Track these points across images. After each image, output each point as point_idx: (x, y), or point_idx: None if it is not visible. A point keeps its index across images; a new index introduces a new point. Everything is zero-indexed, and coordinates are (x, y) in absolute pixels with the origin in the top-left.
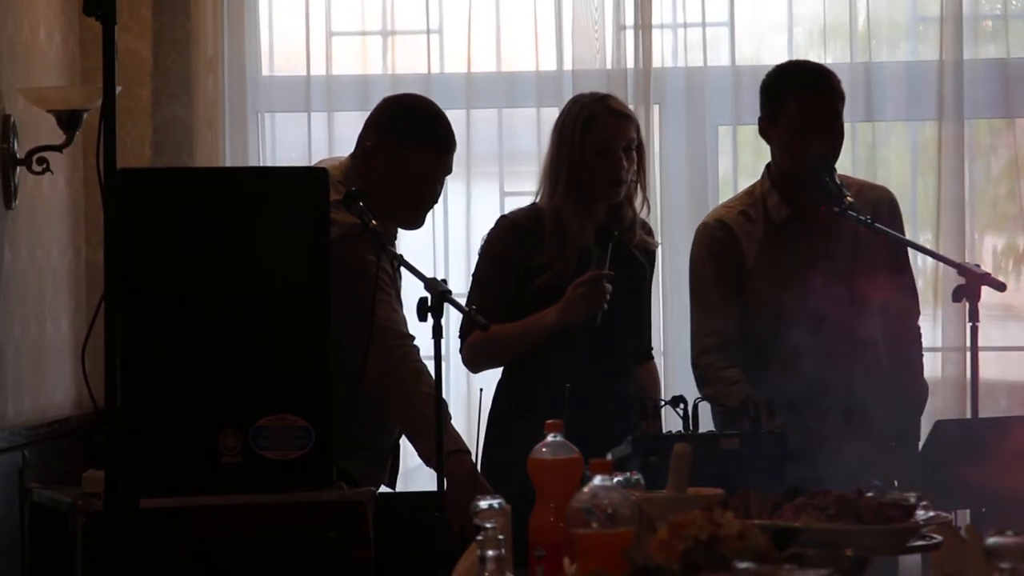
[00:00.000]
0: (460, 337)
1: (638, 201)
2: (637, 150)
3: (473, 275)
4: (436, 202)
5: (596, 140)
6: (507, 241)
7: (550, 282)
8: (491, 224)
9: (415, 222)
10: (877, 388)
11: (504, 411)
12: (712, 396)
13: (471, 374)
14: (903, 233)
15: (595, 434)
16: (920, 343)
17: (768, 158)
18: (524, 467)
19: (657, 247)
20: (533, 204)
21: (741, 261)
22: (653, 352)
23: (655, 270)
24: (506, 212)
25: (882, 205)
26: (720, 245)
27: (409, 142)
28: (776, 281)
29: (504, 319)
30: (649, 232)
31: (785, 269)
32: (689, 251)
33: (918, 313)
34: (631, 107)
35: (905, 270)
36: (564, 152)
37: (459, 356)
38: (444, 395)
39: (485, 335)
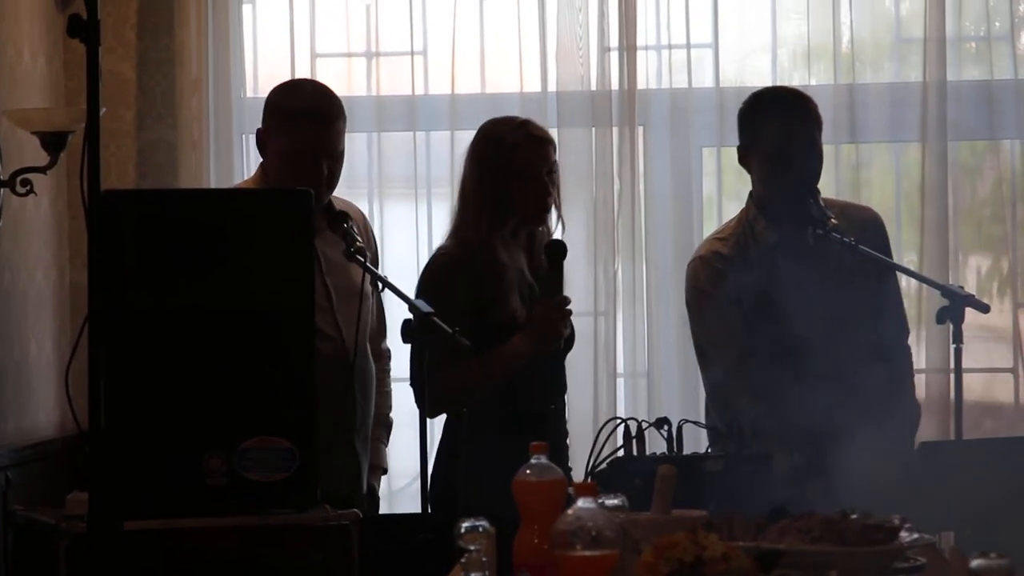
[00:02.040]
0: (430, 369)
1: (552, 219)
2: (555, 171)
3: None
4: (325, 178)
5: (520, 168)
6: (457, 277)
7: (500, 316)
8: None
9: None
10: (868, 410)
11: (483, 433)
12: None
13: None
14: (890, 252)
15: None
16: (911, 361)
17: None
18: (508, 489)
19: None
20: (457, 235)
21: (737, 290)
22: None
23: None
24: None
25: (867, 226)
26: (716, 276)
27: (280, 123)
28: (770, 306)
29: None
30: None
31: (778, 294)
32: (671, 270)
33: (907, 332)
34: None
35: (893, 290)
36: (486, 181)
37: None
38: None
39: (460, 376)
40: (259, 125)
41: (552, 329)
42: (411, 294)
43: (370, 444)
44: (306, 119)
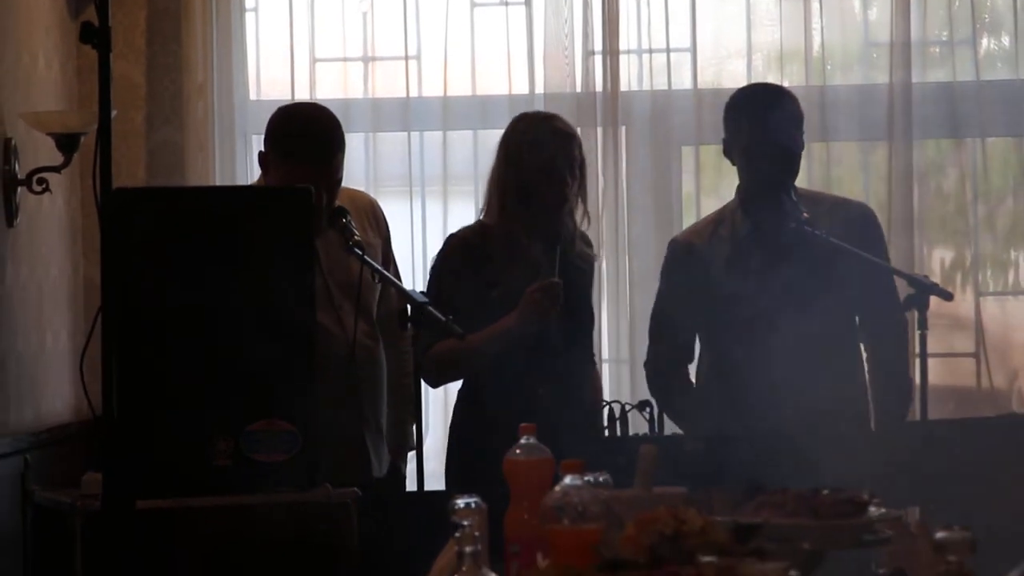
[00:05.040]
0: (423, 350)
1: (579, 214)
2: (580, 167)
3: (425, 294)
4: (323, 205)
5: (542, 160)
6: (458, 259)
7: (502, 295)
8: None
9: None
10: (852, 391)
11: (473, 415)
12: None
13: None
14: (881, 246)
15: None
16: (904, 339)
17: (730, 177)
18: (499, 469)
19: (595, 259)
20: (479, 221)
21: (705, 276)
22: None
23: (598, 278)
24: (452, 231)
25: (855, 221)
26: (685, 261)
27: (281, 155)
28: (741, 293)
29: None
30: (588, 244)
31: (749, 282)
32: (653, 262)
33: (900, 309)
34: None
35: (883, 275)
36: (511, 171)
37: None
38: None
39: (452, 346)
40: (261, 128)
41: (538, 309)
42: (416, 277)
43: (396, 427)
44: (305, 159)
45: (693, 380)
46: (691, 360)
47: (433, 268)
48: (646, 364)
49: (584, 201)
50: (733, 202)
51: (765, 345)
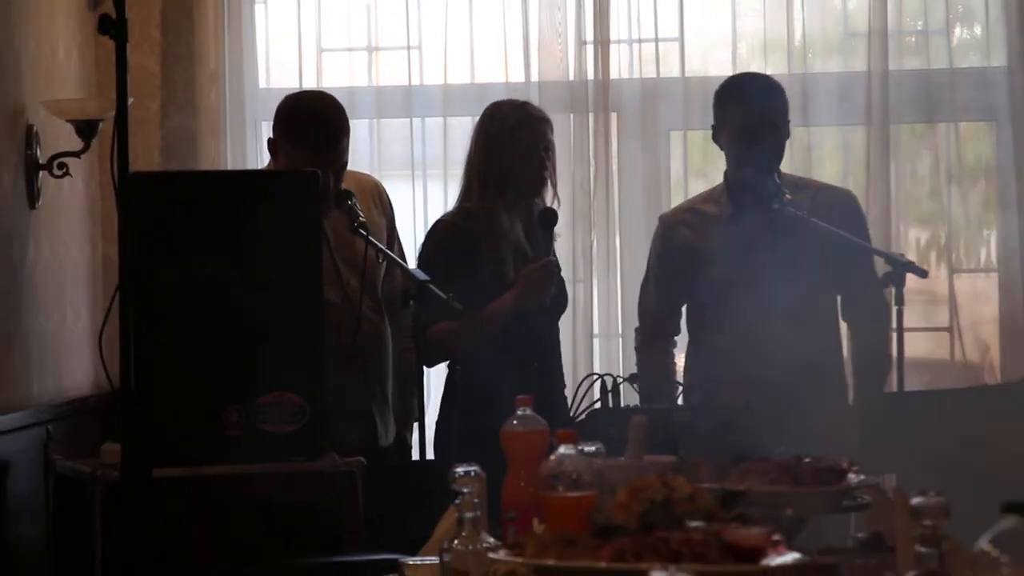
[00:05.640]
0: (421, 329)
1: (549, 196)
2: (552, 149)
3: None
4: (330, 187)
5: (520, 144)
6: (446, 243)
7: (489, 276)
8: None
9: None
10: (831, 367)
11: (471, 389)
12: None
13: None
14: (864, 231)
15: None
16: (884, 318)
17: (715, 161)
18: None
19: (558, 237)
20: (462, 206)
21: (692, 253)
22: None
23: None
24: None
25: (836, 206)
26: (673, 236)
27: (289, 141)
28: (725, 270)
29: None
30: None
31: (733, 260)
32: (642, 241)
33: (881, 289)
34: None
35: (864, 256)
36: (491, 156)
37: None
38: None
39: (448, 327)
40: (270, 114)
41: (535, 287)
42: (412, 261)
43: (401, 399)
44: (312, 144)
45: (675, 355)
46: (676, 332)
47: (423, 254)
48: (636, 330)
49: (554, 183)
50: (720, 184)
51: (747, 320)
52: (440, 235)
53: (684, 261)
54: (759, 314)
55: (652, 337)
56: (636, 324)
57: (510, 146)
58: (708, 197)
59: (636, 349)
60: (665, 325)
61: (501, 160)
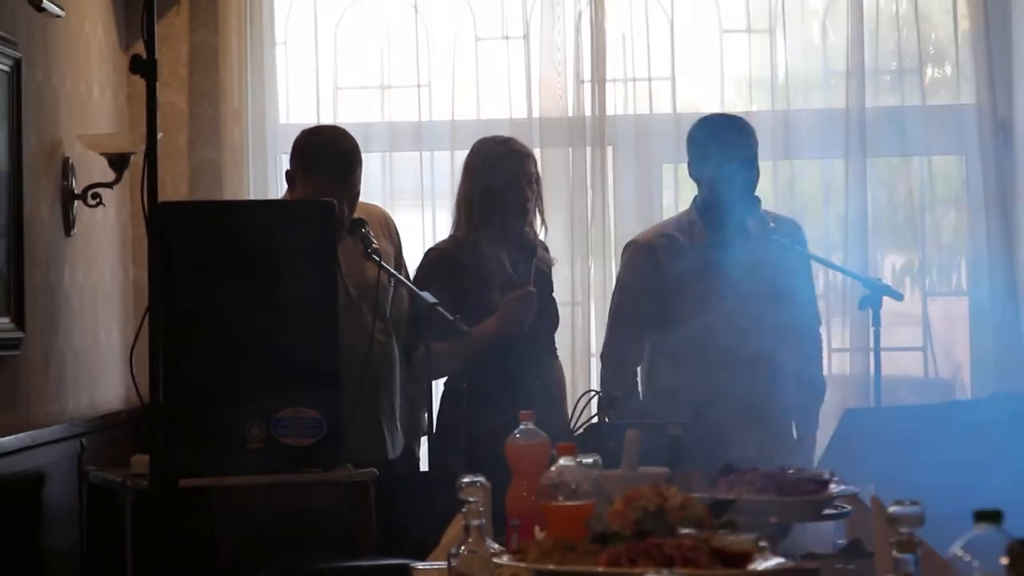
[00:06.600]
0: (429, 343)
1: (537, 224)
2: (537, 182)
3: None
4: (345, 216)
5: (504, 177)
6: (437, 270)
7: (476, 302)
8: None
9: None
10: (777, 386)
11: (464, 405)
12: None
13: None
14: (807, 256)
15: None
16: (819, 346)
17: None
18: (502, 450)
19: (554, 263)
20: (452, 235)
21: (662, 279)
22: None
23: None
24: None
25: (792, 231)
26: (644, 261)
27: (306, 172)
28: (695, 296)
29: None
30: (546, 250)
31: (703, 287)
32: None
33: (819, 322)
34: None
35: (807, 286)
36: (476, 189)
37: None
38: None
39: (444, 347)
40: (290, 148)
41: (514, 315)
42: None
43: (409, 414)
44: (327, 176)
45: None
46: (640, 359)
47: (415, 279)
48: (602, 356)
49: (541, 212)
50: (691, 213)
51: (715, 344)
52: (429, 262)
53: (656, 286)
54: (729, 338)
55: (625, 363)
56: (602, 350)
57: (493, 178)
58: (678, 226)
59: (607, 374)
60: (634, 349)
61: (485, 191)
